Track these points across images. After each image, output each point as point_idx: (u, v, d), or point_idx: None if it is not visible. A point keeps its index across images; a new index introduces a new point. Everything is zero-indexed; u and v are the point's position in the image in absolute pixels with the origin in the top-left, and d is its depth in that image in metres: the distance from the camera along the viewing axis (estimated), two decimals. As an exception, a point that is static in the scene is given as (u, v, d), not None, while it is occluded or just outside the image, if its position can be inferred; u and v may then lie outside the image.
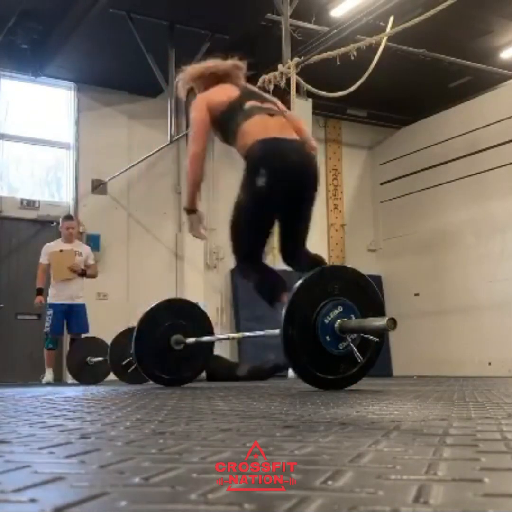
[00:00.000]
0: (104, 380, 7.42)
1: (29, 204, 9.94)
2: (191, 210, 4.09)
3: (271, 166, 3.72)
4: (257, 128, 3.81)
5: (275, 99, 4.24)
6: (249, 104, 3.95)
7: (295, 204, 3.90)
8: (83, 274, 7.75)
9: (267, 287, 3.98)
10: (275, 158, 3.76)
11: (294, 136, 3.88)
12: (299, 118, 4.51)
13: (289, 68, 7.03)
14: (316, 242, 12.17)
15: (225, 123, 3.95)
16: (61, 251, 7.70)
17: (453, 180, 11.19)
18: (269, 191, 3.70)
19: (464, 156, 11.03)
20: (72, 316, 7.78)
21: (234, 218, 3.91)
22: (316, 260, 3.99)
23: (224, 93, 4.03)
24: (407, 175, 12.08)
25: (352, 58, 6.95)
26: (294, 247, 4.04)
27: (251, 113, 3.88)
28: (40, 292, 7.69)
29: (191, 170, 4.04)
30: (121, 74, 9.92)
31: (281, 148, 3.79)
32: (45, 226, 9.83)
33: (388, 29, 7.13)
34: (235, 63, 4.20)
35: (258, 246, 3.94)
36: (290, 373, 7.51)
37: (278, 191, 3.75)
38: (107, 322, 8.50)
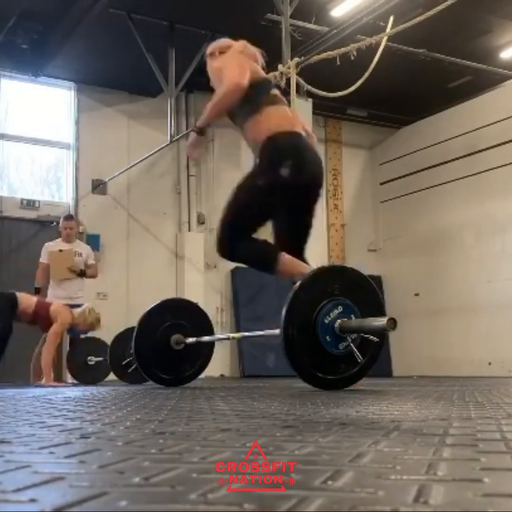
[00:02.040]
0: (104, 380, 7.42)
1: (29, 204, 9.94)
2: (202, 130, 3.94)
3: (298, 160, 3.76)
4: (282, 118, 3.84)
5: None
6: (274, 91, 3.99)
7: (306, 201, 3.95)
8: (82, 274, 7.74)
9: (260, 255, 3.93)
10: (302, 154, 3.81)
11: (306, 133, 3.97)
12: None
13: (289, 68, 7.03)
14: (316, 242, 12.21)
15: (249, 94, 3.80)
16: (60, 251, 7.69)
17: (453, 180, 11.19)
18: (290, 184, 3.72)
19: (464, 156, 11.03)
20: (72, 316, 7.77)
21: (238, 197, 3.85)
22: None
23: (257, 67, 4.03)
24: (407, 175, 12.08)
25: (352, 58, 6.94)
26: (297, 248, 4.00)
27: (276, 100, 3.90)
28: (38, 291, 7.68)
29: (227, 96, 3.79)
30: (121, 74, 9.92)
31: (305, 144, 3.86)
32: (45, 226, 9.82)
33: (388, 29, 7.12)
34: (262, 53, 4.21)
35: (251, 231, 3.89)
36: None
37: (298, 186, 3.78)
38: (107, 322, 8.50)
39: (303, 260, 3.95)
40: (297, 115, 4.31)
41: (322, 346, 3.58)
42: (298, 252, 3.97)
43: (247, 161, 13.12)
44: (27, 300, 6.61)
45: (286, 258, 3.77)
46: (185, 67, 8.94)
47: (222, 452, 1.01)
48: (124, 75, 9.94)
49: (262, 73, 4.05)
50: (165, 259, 10.64)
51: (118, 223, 10.32)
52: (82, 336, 7.89)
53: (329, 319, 3.60)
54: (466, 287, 10.84)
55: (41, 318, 6.54)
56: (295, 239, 4.05)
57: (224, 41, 4.21)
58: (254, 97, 3.83)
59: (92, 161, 10.30)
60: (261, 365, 10.37)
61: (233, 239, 3.89)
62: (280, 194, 3.78)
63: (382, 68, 7.61)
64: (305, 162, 3.82)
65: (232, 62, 3.95)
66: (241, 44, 4.16)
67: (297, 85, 7.09)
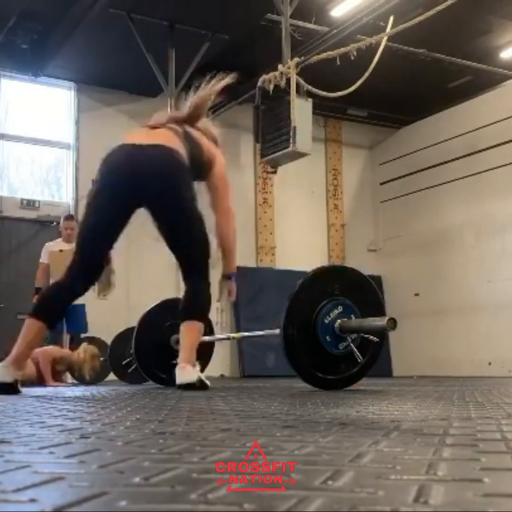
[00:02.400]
0: (104, 380, 7.42)
1: (29, 204, 9.94)
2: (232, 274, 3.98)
3: (102, 170, 3.77)
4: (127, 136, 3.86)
5: (201, 125, 4.15)
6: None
7: (151, 209, 3.79)
8: None
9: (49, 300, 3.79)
10: (106, 163, 3.79)
11: (160, 141, 3.72)
12: (213, 132, 4.38)
13: (289, 68, 7.03)
14: (316, 242, 12.24)
15: None
16: (60, 251, 7.69)
17: (453, 180, 11.19)
18: (96, 197, 3.72)
19: (464, 156, 11.03)
20: (71, 316, 7.76)
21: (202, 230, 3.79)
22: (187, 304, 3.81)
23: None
24: (407, 175, 12.08)
25: (352, 58, 6.95)
26: (183, 268, 3.86)
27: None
28: (38, 291, 7.68)
29: (234, 229, 3.93)
30: (121, 74, 9.92)
31: (119, 152, 3.78)
32: (45, 226, 9.82)
33: (388, 29, 7.12)
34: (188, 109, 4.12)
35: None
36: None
37: (104, 197, 3.72)
38: (107, 322, 8.50)
39: (200, 280, 3.75)
40: (159, 131, 3.96)
41: (322, 346, 3.58)
42: (192, 269, 3.78)
43: (247, 161, 13.14)
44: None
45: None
46: (185, 67, 8.94)
47: (222, 452, 1.01)
48: (124, 75, 9.94)
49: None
50: (165, 259, 10.61)
51: (118, 223, 10.32)
52: (82, 335, 7.89)
53: (329, 319, 3.60)
54: (466, 287, 10.84)
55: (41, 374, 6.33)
56: (176, 253, 3.90)
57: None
58: None
59: (92, 161, 10.18)
60: (261, 365, 10.37)
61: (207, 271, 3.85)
62: (97, 207, 3.73)
63: (382, 68, 7.61)
64: (108, 171, 3.75)
65: (225, 178, 4.02)
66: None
67: (297, 85, 7.09)
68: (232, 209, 3.93)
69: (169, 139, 3.74)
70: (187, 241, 3.78)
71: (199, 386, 3.50)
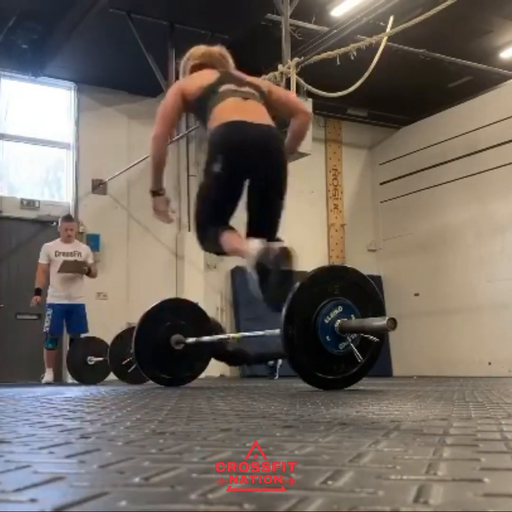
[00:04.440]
0: (104, 380, 7.42)
1: (29, 204, 9.94)
2: (155, 192, 4.02)
3: (227, 151, 3.68)
4: (225, 112, 3.76)
5: (259, 81, 4.16)
6: (224, 87, 3.88)
7: (259, 191, 3.81)
8: (87, 273, 7.78)
9: (214, 240, 3.78)
10: (233, 143, 3.70)
11: (265, 120, 3.77)
12: (287, 91, 4.42)
13: (289, 68, 7.03)
14: (316, 242, 12.24)
15: (200, 109, 3.91)
16: (75, 261, 7.71)
17: (453, 180, 11.19)
18: (226, 175, 3.66)
19: (464, 156, 11.03)
20: (72, 316, 7.78)
21: (198, 197, 3.91)
22: None
23: (200, 78, 4.00)
24: (407, 175, 12.08)
25: (352, 58, 6.94)
26: (259, 231, 3.83)
27: (224, 96, 3.82)
28: (39, 292, 7.69)
29: (152, 152, 4.02)
30: (121, 74, 9.92)
31: (242, 132, 3.70)
32: (45, 226, 9.82)
33: (388, 29, 7.12)
34: (211, 49, 4.24)
35: (217, 220, 3.81)
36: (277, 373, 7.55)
37: (235, 176, 3.71)
38: (107, 322, 8.51)
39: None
40: (277, 92, 4.11)
41: (322, 346, 3.58)
42: (268, 236, 3.83)
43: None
44: None
45: (224, 237, 3.65)
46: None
47: (222, 452, 1.01)
48: (124, 75, 9.94)
49: (209, 77, 3.98)
50: (165, 259, 10.64)
51: (118, 223, 10.32)
52: (82, 335, 7.90)
53: (329, 319, 3.60)
54: (466, 287, 10.84)
55: None
56: (260, 222, 3.89)
57: (183, 62, 4.24)
58: (204, 108, 3.86)
59: (92, 161, 10.30)
60: (261, 365, 10.37)
61: (202, 235, 3.88)
62: (221, 188, 3.73)
63: (382, 68, 7.61)
64: (240, 150, 3.68)
65: (160, 105, 4.12)
66: (184, 60, 4.22)
67: (297, 85, 7.09)
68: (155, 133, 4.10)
69: (267, 117, 3.86)
70: (275, 221, 3.99)
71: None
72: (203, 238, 3.89)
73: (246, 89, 3.92)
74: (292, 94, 4.25)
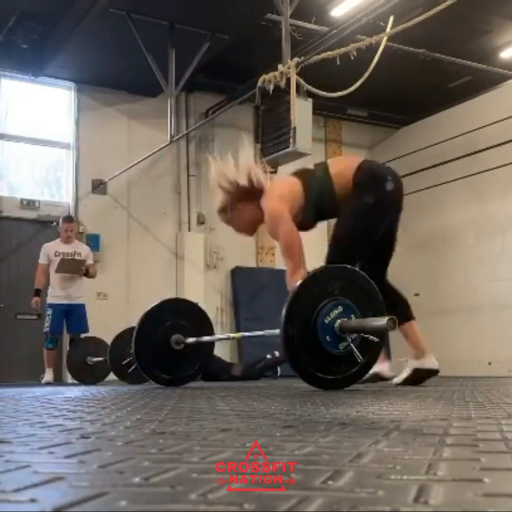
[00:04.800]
0: (104, 380, 7.42)
1: (29, 204, 9.95)
2: None
3: (388, 175, 4.11)
4: (346, 162, 4.15)
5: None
6: (316, 166, 4.16)
7: (397, 215, 4.25)
8: (85, 274, 7.78)
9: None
10: (386, 170, 4.22)
11: None
12: None
13: (289, 68, 7.02)
14: (316, 242, 12.21)
15: (314, 201, 4.04)
16: (73, 260, 7.70)
17: (453, 180, 11.19)
18: (392, 196, 4.02)
19: (464, 156, 11.03)
20: (72, 316, 7.78)
21: (350, 223, 4.04)
22: (400, 298, 4.38)
23: (290, 184, 4.07)
24: (407, 175, 12.04)
25: (352, 58, 6.94)
26: (386, 266, 4.41)
27: (327, 163, 4.15)
28: (38, 293, 7.69)
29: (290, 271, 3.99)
30: (121, 74, 9.92)
31: (393, 175, 4.19)
32: (45, 226, 9.83)
33: (388, 29, 7.12)
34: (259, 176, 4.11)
35: (373, 259, 4.24)
36: (279, 370, 7.65)
37: (396, 199, 4.11)
38: (107, 322, 8.51)
39: (394, 291, 4.41)
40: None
41: (322, 346, 3.58)
42: (385, 271, 4.35)
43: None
44: None
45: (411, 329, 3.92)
46: (185, 67, 8.94)
47: (222, 452, 1.01)
48: (124, 75, 9.94)
49: (294, 180, 4.06)
50: (165, 259, 10.64)
51: (118, 223, 10.32)
52: (82, 335, 7.90)
53: (329, 319, 3.60)
54: (466, 287, 10.84)
55: None
56: (388, 256, 4.42)
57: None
58: (318, 195, 4.04)
59: (92, 161, 10.30)
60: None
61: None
62: (387, 208, 4.04)
63: (382, 68, 7.61)
64: (392, 176, 4.12)
65: (283, 236, 4.01)
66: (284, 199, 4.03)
67: (297, 85, 7.08)
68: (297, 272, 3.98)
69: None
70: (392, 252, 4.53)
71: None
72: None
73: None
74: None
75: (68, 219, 8.17)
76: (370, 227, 4.08)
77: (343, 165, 4.12)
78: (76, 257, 7.76)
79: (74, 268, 7.69)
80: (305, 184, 4.03)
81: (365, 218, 4.03)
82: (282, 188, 4.06)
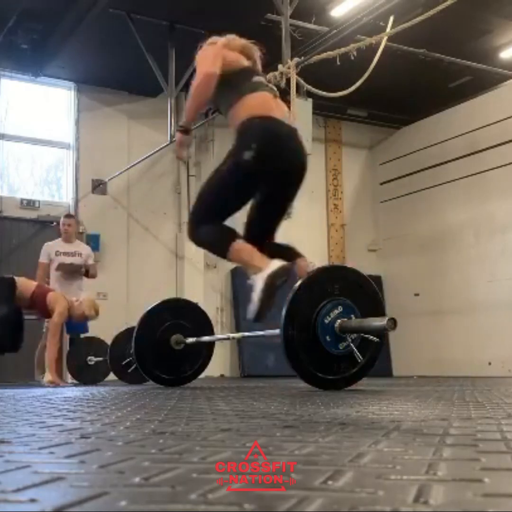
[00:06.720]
0: (104, 380, 7.42)
1: (29, 204, 9.94)
2: (188, 129, 3.94)
3: (262, 144, 3.69)
4: (259, 104, 3.79)
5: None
6: (257, 78, 3.95)
7: (279, 188, 3.85)
8: (85, 274, 7.77)
9: (214, 239, 3.80)
10: (268, 138, 3.74)
11: (290, 122, 3.91)
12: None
13: (289, 68, 7.02)
14: (316, 242, 12.23)
15: (228, 86, 3.83)
16: (71, 264, 7.70)
17: (453, 180, 11.19)
18: (255, 167, 3.66)
19: (464, 156, 11.03)
20: (72, 316, 7.77)
21: (211, 180, 3.83)
22: (288, 249, 3.98)
23: (238, 57, 4.00)
24: (407, 175, 12.08)
25: (352, 58, 6.93)
26: (262, 231, 3.96)
27: (257, 87, 3.87)
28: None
29: (201, 89, 3.79)
30: (121, 74, 9.92)
31: (277, 130, 3.77)
32: (45, 226, 9.82)
33: (388, 29, 7.11)
34: (257, 48, 4.18)
35: (221, 214, 3.79)
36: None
37: (264, 170, 3.71)
38: (107, 322, 8.50)
39: (272, 242, 3.96)
40: (281, 104, 4.11)
41: (322, 346, 3.58)
42: (267, 236, 3.94)
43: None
44: (25, 284, 6.51)
45: (238, 247, 3.61)
46: (185, 67, 8.93)
47: (222, 452, 1.01)
48: (124, 75, 9.94)
49: (243, 62, 3.99)
50: (165, 259, 10.64)
51: (118, 223, 10.32)
52: (82, 335, 7.89)
53: (329, 319, 3.60)
54: (466, 287, 10.84)
55: (39, 304, 6.43)
56: (264, 223, 3.97)
57: (213, 37, 4.18)
58: (234, 86, 3.83)
59: (92, 161, 10.30)
60: (261, 365, 10.37)
61: (200, 221, 3.84)
62: (246, 176, 3.71)
63: (382, 68, 7.60)
64: (275, 147, 3.72)
65: (205, 54, 3.92)
66: (226, 38, 4.09)
67: (297, 85, 7.08)
68: (207, 70, 3.79)
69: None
70: (280, 218, 4.03)
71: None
72: (200, 225, 3.83)
73: (271, 86, 4.04)
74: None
75: (67, 215, 8.20)
76: (225, 192, 3.79)
77: (260, 103, 3.79)
78: (77, 258, 7.76)
79: (71, 272, 7.69)
80: (246, 69, 3.93)
81: (221, 180, 3.79)
82: (236, 55, 4.01)
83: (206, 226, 3.82)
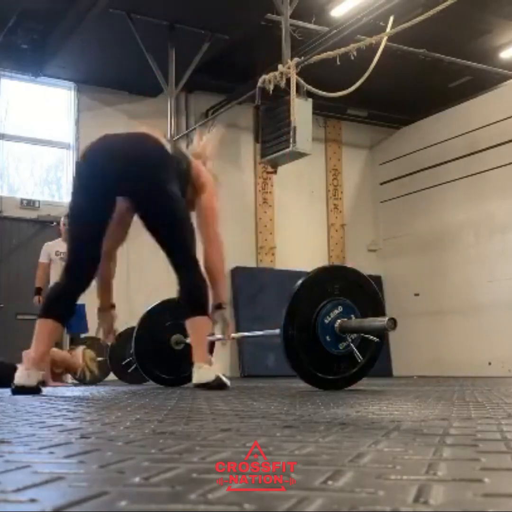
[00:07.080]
0: (104, 380, 7.41)
1: (29, 204, 9.94)
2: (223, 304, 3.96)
3: (79, 164, 3.86)
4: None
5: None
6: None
7: (134, 200, 3.85)
8: None
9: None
10: (84, 156, 3.88)
11: (140, 130, 3.84)
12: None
13: (289, 68, 7.02)
14: (316, 242, 12.24)
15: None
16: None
17: (453, 180, 11.20)
18: (79, 192, 3.77)
19: (464, 156, 11.03)
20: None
21: (187, 226, 3.90)
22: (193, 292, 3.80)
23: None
24: (407, 175, 12.08)
25: (352, 58, 6.94)
26: (172, 260, 3.93)
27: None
28: (39, 291, 7.68)
29: (222, 258, 3.90)
30: (121, 74, 9.92)
31: (96, 142, 3.89)
32: (45, 226, 9.82)
33: (388, 29, 7.12)
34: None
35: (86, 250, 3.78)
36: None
37: (89, 190, 3.76)
38: (107, 322, 8.47)
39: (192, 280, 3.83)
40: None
41: (322, 346, 3.58)
42: (176, 269, 3.88)
43: (247, 161, 13.12)
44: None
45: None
46: (185, 67, 8.94)
47: (222, 452, 1.01)
48: (124, 75, 9.94)
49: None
50: (165, 259, 10.60)
51: (118, 223, 10.31)
52: (82, 335, 7.89)
53: (329, 319, 3.60)
54: (466, 287, 10.84)
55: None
56: (167, 252, 4.02)
57: (209, 164, 4.28)
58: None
59: (92, 161, 10.29)
60: (261, 365, 10.37)
61: (197, 263, 3.89)
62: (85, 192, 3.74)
63: (382, 68, 7.61)
64: (86, 164, 3.82)
65: (216, 208, 4.00)
66: (212, 175, 4.18)
67: (297, 85, 7.08)
68: (220, 236, 3.87)
69: (152, 131, 3.78)
70: (175, 238, 3.98)
71: (215, 385, 3.49)
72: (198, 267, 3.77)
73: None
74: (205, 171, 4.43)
75: (67, 215, 8.18)
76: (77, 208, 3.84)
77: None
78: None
79: None
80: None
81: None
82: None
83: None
